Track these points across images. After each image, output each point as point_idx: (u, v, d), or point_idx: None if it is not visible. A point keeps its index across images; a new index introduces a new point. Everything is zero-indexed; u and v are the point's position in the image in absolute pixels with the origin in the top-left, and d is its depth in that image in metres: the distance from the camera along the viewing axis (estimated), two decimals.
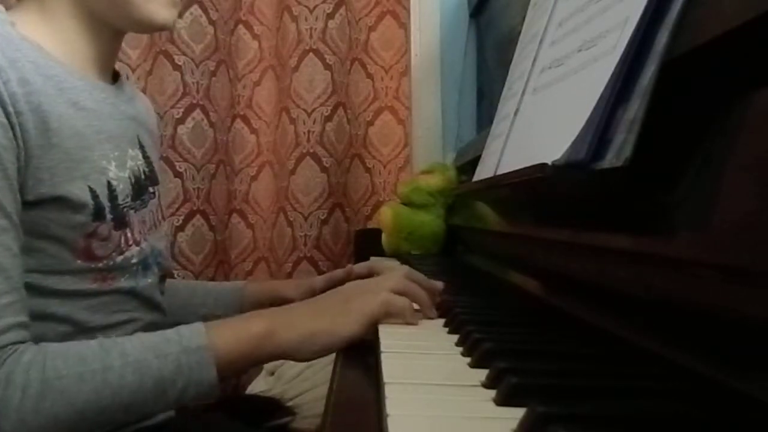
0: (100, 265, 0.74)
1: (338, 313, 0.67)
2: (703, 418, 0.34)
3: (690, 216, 0.38)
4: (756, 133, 0.34)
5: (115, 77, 0.87)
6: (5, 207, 0.63)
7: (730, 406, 0.34)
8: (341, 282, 1.00)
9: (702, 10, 0.40)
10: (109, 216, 0.74)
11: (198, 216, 1.70)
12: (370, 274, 0.97)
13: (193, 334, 0.66)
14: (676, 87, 0.41)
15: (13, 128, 0.64)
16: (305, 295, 1.00)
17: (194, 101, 1.68)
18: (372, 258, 1.29)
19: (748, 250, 0.32)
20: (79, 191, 0.70)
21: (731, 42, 0.37)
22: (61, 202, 0.69)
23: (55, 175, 0.68)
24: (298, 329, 0.67)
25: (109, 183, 0.75)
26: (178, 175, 1.67)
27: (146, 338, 0.66)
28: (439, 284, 0.74)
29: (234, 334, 0.67)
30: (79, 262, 0.72)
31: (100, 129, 0.76)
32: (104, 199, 0.74)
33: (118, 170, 0.77)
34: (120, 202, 0.76)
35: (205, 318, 1.03)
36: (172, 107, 1.67)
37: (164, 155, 1.66)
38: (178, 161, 1.67)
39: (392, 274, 0.74)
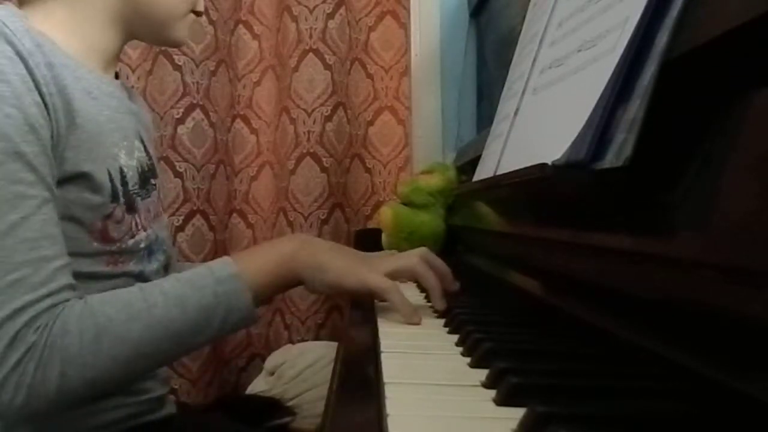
0: (114, 247, 0.77)
1: (357, 262, 0.73)
2: (703, 418, 0.34)
3: (690, 216, 0.38)
4: (756, 133, 0.34)
5: (115, 76, 0.89)
6: (46, 179, 0.67)
7: (730, 406, 0.34)
8: None
9: (702, 10, 0.40)
10: (122, 199, 0.77)
11: (198, 216, 1.70)
12: None
13: (222, 265, 0.73)
14: (676, 87, 0.41)
15: (47, 108, 0.68)
16: None
17: (194, 101, 1.68)
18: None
19: (749, 250, 0.32)
20: (99, 171, 0.73)
21: (731, 42, 0.37)
22: (83, 180, 0.72)
23: (79, 154, 0.71)
24: (316, 258, 0.73)
25: (121, 168, 0.78)
26: (178, 175, 1.67)
27: (181, 276, 0.72)
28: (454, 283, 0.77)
29: (260, 258, 0.74)
30: (95, 244, 0.75)
31: (110, 118, 0.79)
32: (117, 183, 0.77)
33: (127, 158, 0.80)
34: (130, 187, 0.80)
35: None
36: (172, 107, 1.67)
37: (164, 155, 1.66)
38: (178, 161, 1.67)
39: (410, 252, 0.77)
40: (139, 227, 0.81)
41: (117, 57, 0.87)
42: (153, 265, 0.84)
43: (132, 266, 0.80)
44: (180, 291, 0.69)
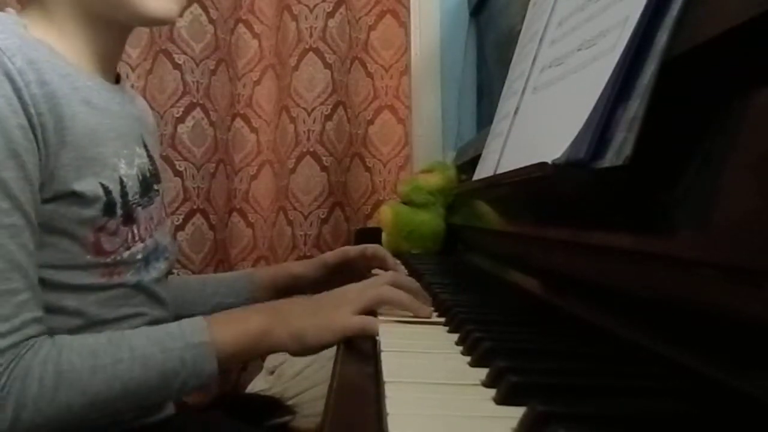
0: (108, 260, 0.76)
1: (332, 308, 0.71)
2: (703, 418, 0.34)
3: (690, 215, 0.38)
4: (756, 132, 0.34)
5: (117, 79, 0.88)
6: (23, 206, 0.66)
7: (730, 406, 0.34)
8: (354, 260, 1.05)
9: (702, 9, 0.40)
10: (119, 212, 0.77)
11: (198, 215, 1.70)
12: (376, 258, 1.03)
13: (195, 329, 0.71)
14: (676, 86, 0.41)
15: (33, 130, 0.67)
16: (317, 271, 1.05)
17: (194, 100, 1.68)
18: None
19: (749, 249, 0.32)
20: (91, 187, 0.73)
21: (731, 41, 0.37)
22: (72, 197, 0.71)
23: (69, 173, 0.70)
24: (293, 325, 0.71)
25: (120, 179, 0.77)
26: (178, 174, 1.67)
27: (151, 332, 0.71)
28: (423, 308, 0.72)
29: (233, 330, 0.72)
30: (89, 257, 0.74)
31: (110, 127, 0.78)
32: (116, 195, 0.76)
33: (127, 167, 0.80)
34: (130, 198, 0.79)
35: (216, 307, 1.07)
36: (172, 106, 1.67)
37: (164, 154, 1.66)
38: (178, 160, 1.67)
39: (375, 280, 0.77)
40: (137, 238, 0.80)
41: (115, 60, 0.86)
42: (152, 275, 0.83)
43: (128, 277, 0.79)
44: (148, 350, 0.68)
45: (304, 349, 0.71)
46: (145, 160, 0.86)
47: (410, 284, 0.75)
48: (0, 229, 0.64)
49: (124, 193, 0.77)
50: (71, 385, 0.64)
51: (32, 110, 0.67)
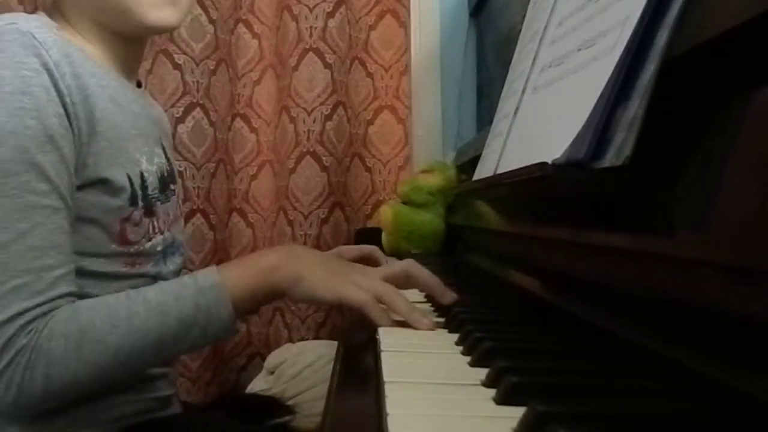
0: (132, 249, 0.79)
1: (338, 275, 0.71)
2: (703, 418, 0.34)
3: (690, 215, 0.38)
4: (756, 132, 0.34)
5: (138, 84, 0.92)
6: (60, 189, 0.69)
7: (730, 406, 0.34)
8: (370, 257, 1.03)
9: (702, 8, 0.40)
10: (140, 203, 0.79)
11: (198, 215, 1.70)
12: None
13: (206, 275, 0.73)
14: (677, 86, 0.41)
15: (69, 117, 0.71)
16: None
17: (194, 100, 1.68)
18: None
19: (749, 249, 0.32)
20: (119, 176, 0.76)
21: (731, 41, 0.37)
22: (102, 185, 0.74)
23: (99, 161, 0.74)
24: (296, 269, 0.72)
25: (141, 174, 0.80)
26: (178, 174, 1.67)
27: (166, 285, 0.74)
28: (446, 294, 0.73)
29: (243, 269, 0.74)
30: (113, 246, 0.77)
31: (133, 125, 0.81)
32: (138, 187, 0.79)
33: (148, 164, 0.83)
34: (150, 192, 0.82)
35: None
36: (172, 106, 1.67)
37: None
38: (178, 160, 1.67)
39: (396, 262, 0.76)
40: (156, 231, 0.83)
41: (136, 65, 0.90)
42: (169, 267, 0.86)
43: (149, 268, 0.82)
44: (162, 299, 0.70)
45: (298, 294, 0.72)
46: (164, 160, 0.89)
47: (429, 274, 0.74)
48: (38, 209, 0.67)
49: (144, 186, 0.80)
50: (94, 341, 0.67)
51: (67, 99, 0.70)
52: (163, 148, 0.90)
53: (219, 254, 1.74)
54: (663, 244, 0.40)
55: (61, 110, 0.70)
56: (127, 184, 0.77)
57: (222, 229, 1.76)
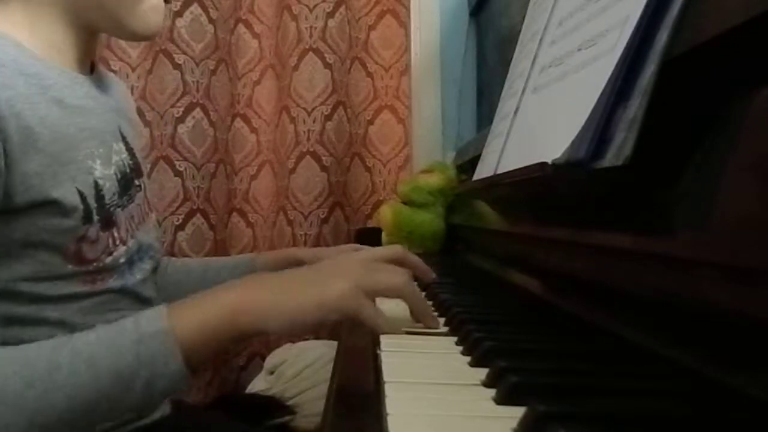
0: (91, 267, 0.73)
1: (328, 279, 0.59)
2: (703, 418, 0.34)
3: (690, 215, 0.38)
4: (756, 132, 0.34)
5: (92, 67, 0.85)
6: None
7: (730, 406, 0.34)
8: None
9: (702, 8, 0.40)
10: (96, 217, 0.73)
11: (198, 215, 1.70)
12: None
13: (150, 318, 0.58)
14: (676, 86, 0.41)
15: None
16: (322, 255, 0.96)
17: (194, 100, 1.68)
18: None
19: (749, 249, 0.32)
20: (69, 194, 0.69)
21: (731, 41, 0.37)
22: (51, 206, 0.68)
23: (44, 180, 0.67)
24: (262, 301, 0.59)
25: (96, 183, 0.74)
26: (178, 174, 1.67)
27: (102, 331, 0.59)
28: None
29: (198, 312, 0.59)
30: (70, 266, 0.71)
31: (83, 126, 0.74)
32: (91, 200, 0.73)
33: (103, 168, 0.76)
34: (107, 201, 0.75)
35: None
36: (172, 106, 1.67)
37: (164, 154, 1.66)
38: (178, 160, 1.68)
39: (396, 272, 0.63)
40: (118, 242, 0.77)
41: (91, 50, 0.83)
42: (136, 277, 0.81)
43: (112, 282, 0.76)
44: (94, 350, 0.56)
45: (285, 325, 0.59)
46: (124, 155, 0.82)
47: (417, 262, 0.68)
48: None
49: (99, 197, 0.74)
50: (2, 402, 0.52)
51: None
52: (124, 139, 0.83)
53: (219, 254, 1.74)
54: (663, 244, 0.40)
55: None
56: (79, 201, 0.70)
57: (222, 229, 1.76)
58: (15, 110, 0.65)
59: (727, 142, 0.36)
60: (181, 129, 1.68)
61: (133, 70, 1.66)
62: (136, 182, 0.84)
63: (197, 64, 1.68)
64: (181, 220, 1.68)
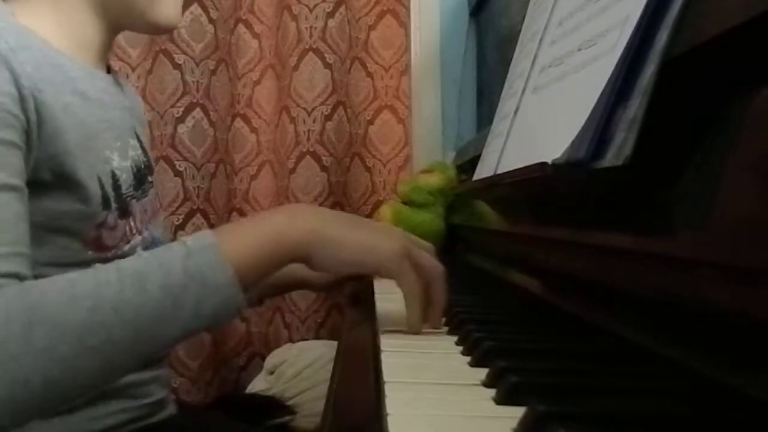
0: (109, 254, 0.74)
1: (380, 232, 0.61)
2: (703, 418, 0.34)
3: (690, 215, 0.38)
4: (756, 133, 0.34)
5: (108, 68, 0.87)
6: (13, 167, 0.60)
7: (730, 406, 0.34)
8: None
9: (702, 8, 0.40)
10: (114, 205, 0.75)
11: (198, 215, 1.70)
12: None
13: (198, 236, 0.58)
14: (676, 86, 0.41)
15: (25, 102, 0.62)
16: (325, 277, 0.98)
17: (194, 100, 1.68)
18: None
19: (749, 249, 0.32)
20: (90, 179, 0.70)
21: (731, 41, 0.37)
22: (74, 188, 0.68)
23: (69, 160, 0.67)
24: (325, 232, 0.59)
25: (113, 172, 0.75)
26: (178, 174, 1.67)
27: (147, 253, 0.59)
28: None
29: (243, 231, 0.60)
30: (90, 252, 0.72)
31: (102, 118, 0.76)
32: (109, 188, 0.74)
33: (121, 160, 0.78)
34: (123, 191, 0.77)
35: None
36: (172, 106, 1.66)
37: (164, 154, 1.66)
38: (178, 160, 1.67)
39: (433, 260, 0.64)
40: (134, 231, 0.79)
41: (108, 50, 0.84)
42: None
43: None
44: (140, 266, 0.55)
45: (334, 261, 0.58)
46: (139, 152, 0.84)
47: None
48: None
49: (116, 186, 0.75)
50: (46, 320, 0.50)
51: (26, 83, 0.63)
52: (138, 138, 0.85)
53: None
54: (663, 244, 0.40)
55: (15, 92, 0.61)
56: (98, 187, 0.71)
57: None
58: (40, 93, 0.65)
59: (727, 142, 0.36)
60: (181, 129, 1.67)
61: (133, 70, 1.66)
62: (149, 179, 0.86)
63: (197, 64, 1.68)
64: (181, 220, 1.67)
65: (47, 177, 0.66)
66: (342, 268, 0.62)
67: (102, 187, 0.73)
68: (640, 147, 0.41)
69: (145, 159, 0.85)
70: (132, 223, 0.78)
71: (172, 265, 0.54)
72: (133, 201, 0.79)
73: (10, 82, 0.62)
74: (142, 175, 0.83)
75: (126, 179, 0.78)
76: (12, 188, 0.60)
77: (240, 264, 0.56)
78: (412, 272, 0.60)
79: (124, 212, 0.77)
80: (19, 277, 0.56)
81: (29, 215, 0.64)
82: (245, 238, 0.58)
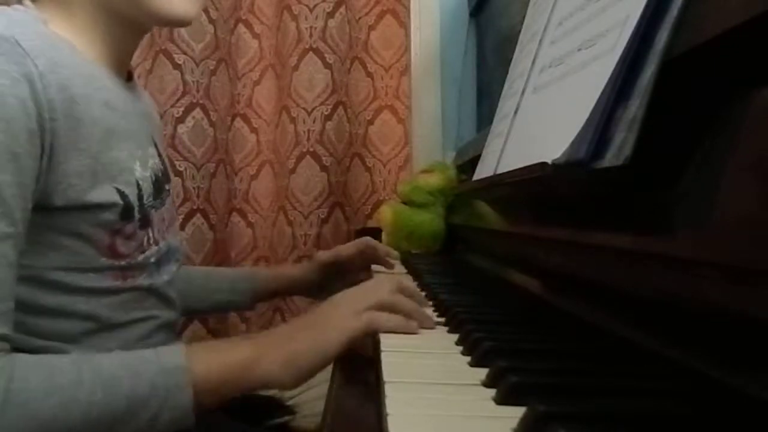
0: (123, 263, 0.74)
1: (319, 332, 0.65)
2: (703, 418, 0.34)
3: (690, 215, 0.38)
4: (756, 132, 0.34)
5: (129, 75, 0.87)
6: (13, 213, 0.61)
7: (730, 406, 0.34)
8: (348, 258, 1.09)
9: (702, 8, 0.40)
10: (137, 216, 0.75)
11: (198, 215, 1.70)
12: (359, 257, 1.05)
13: (171, 354, 0.63)
14: (676, 86, 0.41)
15: (42, 134, 0.63)
16: (314, 273, 1.10)
17: (194, 100, 1.68)
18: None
19: (749, 249, 0.32)
20: (106, 195, 0.70)
21: (731, 41, 0.37)
22: (88, 207, 0.69)
23: (83, 181, 0.68)
24: (284, 349, 0.64)
25: (137, 182, 0.76)
26: (178, 174, 1.67)
27: (124, 356, 0.64)
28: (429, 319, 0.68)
29: (214, 358, 0.64)
30: (103, 259, 0.72)
31: (126, 128, 0.76)
32: (133, 199, 0.74)
33: (142, 170, 0.78)
34: (145, 201, 0.77)
35: (215, 304, 1.08)
36: (172, 106, 1.66)
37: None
38: (178, 160, 1.67)
39: (380, 286, 0.70)
40: (151, 242, 0.79)
41: (130, 57, 0.85)
42: (163, 277, 0.82)
43: (141, 280, 0.77)
44: (114, 372, 0.60)
45: (299, 372, 0.63)
46: (157, 160, 0.84)
47: (414, 291, 0.72)
48: None
49: (140, 197, 0.76)
50: (21, 406, 0.56)
51: (46, 115, 0.63)
52: (155, 145, 0.85)
53: (219, 254, 1.74)
54: (663, 244, 0.40)
55: (35, 126, 0.62)
56: (118, 199, 0.72)
57: (222, 229, 1.76)
58: (68, 111, 0.65)
59: (727, 142, 0.36)
60: (181, 129, 1.67)
61: (133, 69, 1.66)
62: (166, 187, 0.86)
63: (197, 64, 1.68)
64: (180, 220, 1.67)
65: (57, 202, 0.66)
66: (312, 374, 0.64)
67: (125, 197, 0.73)
68: (640, 147, 0.41)
69: (162, 167, 0.86)
70: (150, 234, 0.78)
71: (141, 378, 0.61)
72: (152, 211, 0.79)
73: (33, 114, 0.62)
74: (160, 184, 0.83)
75: (146, 189, 0.78)
76: (10, 236, 0.61)
77: (202, 389, 0.62)
78: (381, 317, 0.64)
79: (145, 222, 0.77)
80: (5, 339, 0.59)
81: (45, 222, 0.65)
82: (212, 364, 0.64)
